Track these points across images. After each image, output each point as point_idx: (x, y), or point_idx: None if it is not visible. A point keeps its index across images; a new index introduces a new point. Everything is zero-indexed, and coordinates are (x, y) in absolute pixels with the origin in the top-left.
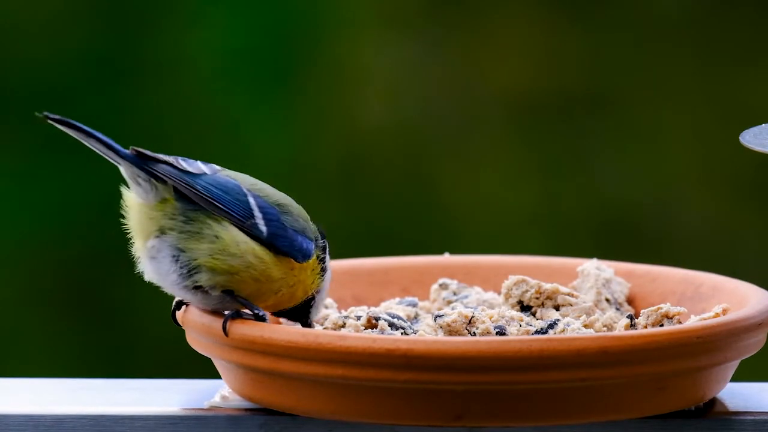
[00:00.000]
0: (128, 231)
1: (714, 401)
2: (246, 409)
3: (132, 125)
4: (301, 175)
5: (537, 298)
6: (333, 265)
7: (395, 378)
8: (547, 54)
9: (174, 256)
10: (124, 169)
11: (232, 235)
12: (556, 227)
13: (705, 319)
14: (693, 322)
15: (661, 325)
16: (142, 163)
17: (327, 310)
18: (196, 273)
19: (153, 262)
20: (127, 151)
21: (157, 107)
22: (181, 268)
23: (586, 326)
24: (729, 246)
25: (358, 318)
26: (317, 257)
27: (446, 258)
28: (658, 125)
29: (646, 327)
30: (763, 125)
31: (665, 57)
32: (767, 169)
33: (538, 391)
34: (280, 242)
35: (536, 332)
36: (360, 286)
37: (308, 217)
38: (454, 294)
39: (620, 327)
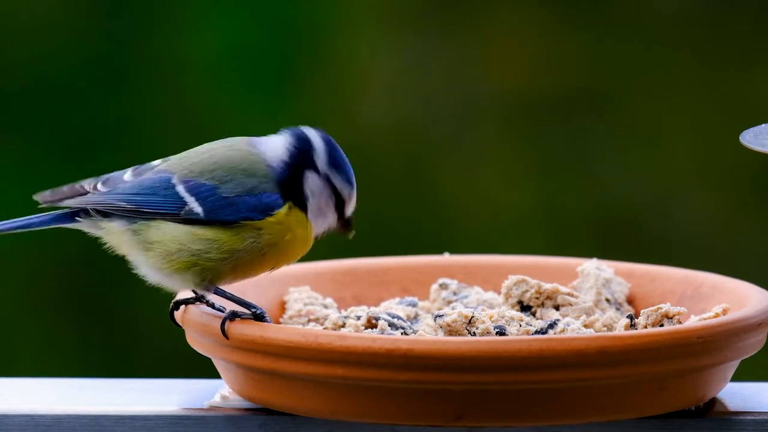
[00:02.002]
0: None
1: (714, 401)
2: (246, 409)
3: (132, 125)
4: None
5: (537, 298)
6: (333, 264)
7: (395, 378)
8: (547, 53)
9: (151, 267)
10: (68, 226)
11: (170, 232)
12: (556, 227)
13: (705, 319)
14: (693, 322)
15: (661, 325)
16: (64, 218)
17: (327, 310)
18: (173, 276)
19: (146, 272)
20: (46, 217)
21: (157, 107)
22: (163, 276)
23: (586, 326)
24: (729, 246)
25: (358, 318)
26: (291, 203)
27: (446, 258)
28: (658, 125)
29: (646, 327)
30: (763, 125)
31: (665, 57)
32: (767, 169)
33: (538, 391)
34: (223, 214)
35: (536, 332)
36: (360, 286)
37: (263, 167)
38: (454, 294)
39: (620, 327)
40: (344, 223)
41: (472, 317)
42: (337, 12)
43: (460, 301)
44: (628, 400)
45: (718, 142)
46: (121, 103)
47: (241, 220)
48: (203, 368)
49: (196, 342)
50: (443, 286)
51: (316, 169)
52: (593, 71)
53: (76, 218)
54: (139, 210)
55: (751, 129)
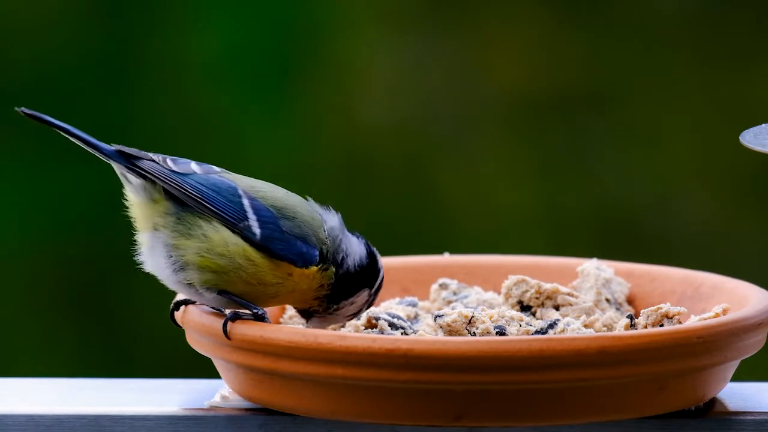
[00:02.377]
0: (131, 223)
1: (714, 401)
2: (246, 409)
3: (132, 125)
4: (301, 175)
5: (537, 298)
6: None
7: (395, 378)
8: (547, 53)
9: (167, 252)
10: (114, 167)
11: (221, 235)
12: (556, 227)
13: (705, 319)
14: (693, 322)
15: (661, 325)
16: (125, 161)
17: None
18: (185, 270)
19: (150, 255)
20: (110, 149)
21: (157, 107)
22: (173, 264)
23: (586, 326)
24: (729, 246)
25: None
26: (322, 267)
27: (446, 258)
28: (658, 125)
29: (646, 327)
30: (763, 125)
31: (665, 57)
32: (767, 169)
33: (538, 391)
34: (275, 245)
35: (536, 332)
36: None
37: (320, 226)
38: (454, 294)
39: (620, 327)
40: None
41: (472, 317)
42: (337, 12)
43: (460, 301)
44: (628, 400)
45: (718, 142)
46: (121, 103)
47: (286, 258)
48: (203, 368)
49: (196, 342)
50: (443, 286)
51: (370, 287)
52: (593, 71)
53: (129, 174)
54: (202, 202)
55: (751, 129)
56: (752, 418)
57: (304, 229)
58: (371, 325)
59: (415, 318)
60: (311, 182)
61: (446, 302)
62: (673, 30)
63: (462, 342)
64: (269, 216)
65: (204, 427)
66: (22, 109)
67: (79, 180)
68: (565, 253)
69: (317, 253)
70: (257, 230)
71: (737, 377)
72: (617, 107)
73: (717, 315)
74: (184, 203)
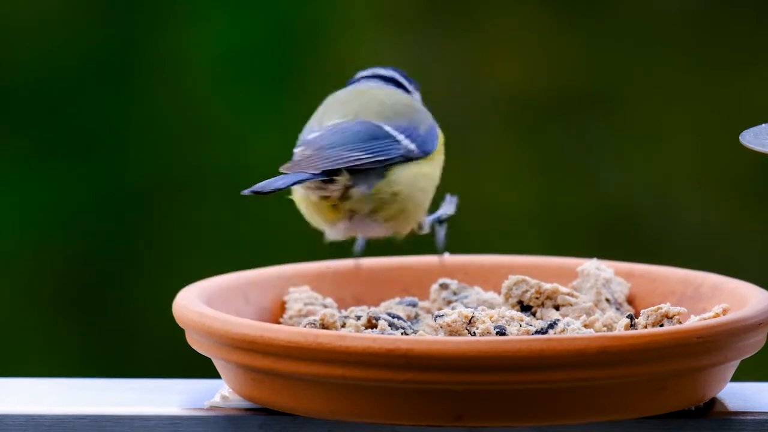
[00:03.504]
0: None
1: (714, 401)
2: (246, 409)
3: (132, 125)
4: None
5: (537, 298)
6: (332, 264)
7: (395, 378)
8: (546, 53)
9: (372, 221)
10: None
11: (403, 180)
12: (556, 227)
13: (705, 319)
14: (693, 322)
15: (661, 325)
16: (323, 175)
17: (327, 310)
18: (394, 227)
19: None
20: (309, 174)
21: (157, 107)
22: (382, 229)
23: (586, 326)
24: (729, 246)
25: (358, 318)
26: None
27: (446, 258)
28: (658, 125)
29: (646, 327)
30: (763, 125)
31: (665, 56)
32: (767, 169)
33: (538, 391)
34: (428, 147)
35: (536, 332)
36: (360, 286)
37: (415, 99)
38: (454, 294)
39: (620, 327)
40: None
41: (472, 317)
42: (337, 12)
43: (460, 301)
44: (628, 400)
45: (718, 142)
46: (121, 102)
47: (434, 150)
48: (203, 368)
49: (196, 342)
50: (443, 286)
51: None
52: (593, 71)
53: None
54: (377, 159)
55: (751, 129)
56: (752, 418)
57: (427, 119)
58: (371, 325)
59: (415, 318)
60: None
61: (446, 302)
62: (673, 30)
63: (462, 342)
64: (409, 129)
65: (204, 427)
66: (244, 192)
67: (79, 180)
68: (565, 253)
69: (434, 125)
70: (412, 146)
71: (737, 377)
72: (617, 107)
73: (717, 315)
74: (357, 175)
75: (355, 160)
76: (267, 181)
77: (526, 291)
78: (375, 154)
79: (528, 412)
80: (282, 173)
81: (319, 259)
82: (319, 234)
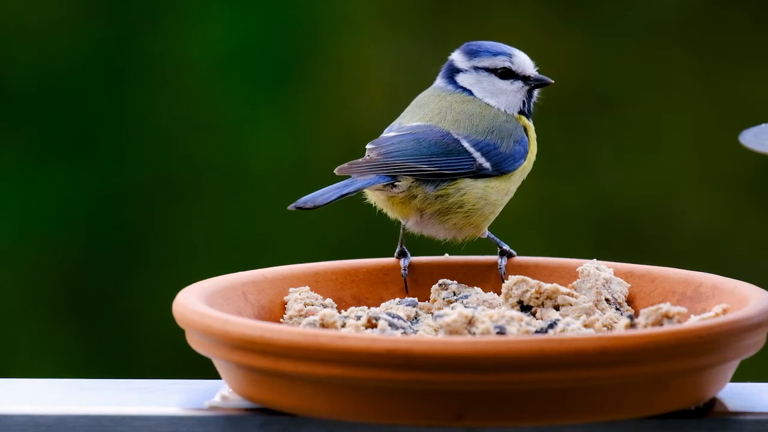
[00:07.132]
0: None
1: (714, 401)
2: (246, 409)
3: (132, 124)
4: (301, 174)
5: (537, 298)
6: (333, 264)
7: (395, 378)
8: (546, 54)
9: (438, 222)
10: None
11: (471, 192)
12: (556, 227)
13: (705, 319)
14: (693, 322)
15: (661, 325)
16: (384, 178)
17: (327, 310)
18: (459, 232)
19: (420, 229)
20: (373, 177)
21: (157, 107)
22: (446, 232)
23: (586, 326)
24: (729, 246)
25: (358, 318)
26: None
27: (446, 258)
28: (658, 125)
29: (646, 327)
30: (763, 125)
31: (665, 57)
32: (767, 169)
33: (538, 391)
34: (506, 166)
35: (536, 332)
36: (360, 286)
37: (509, 117)
38: (454, 294)
39: (620, 327)
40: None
41: (472, 317)
42: (336, 11)
43: (460, 301)
44: (628, 400)
45: (718, 142)
46: (121, 102)
47: (511, 170)
48: (203, 368)
49: (196, 342)
50: (443, 286)
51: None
52: (593, 72)
53: (394, 181)
54: (441, 173)
55: (751, 129)
56: (752, 418)
57: (515, 132)
58: (371, 325)
59: (415, 318)
60: (311, 181)
61: (446, 302)
62: (673, 30)
63: (462, 342)
64: (487, 145)
65: (204, 427)
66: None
67: (79, 180)
68: (564, 253)
69: (522, 132)
70: (487, 164)
71: (737, 377)
72: (617, 107)
73: (717, 315)
74: (426, 182)
75: (417, 171)
76: (313, 194)
77: (526, 291)
78: (440, 168)
79: (528, 412)
80: (338, 175)
81: (319, 260)
82: (319, 234)
